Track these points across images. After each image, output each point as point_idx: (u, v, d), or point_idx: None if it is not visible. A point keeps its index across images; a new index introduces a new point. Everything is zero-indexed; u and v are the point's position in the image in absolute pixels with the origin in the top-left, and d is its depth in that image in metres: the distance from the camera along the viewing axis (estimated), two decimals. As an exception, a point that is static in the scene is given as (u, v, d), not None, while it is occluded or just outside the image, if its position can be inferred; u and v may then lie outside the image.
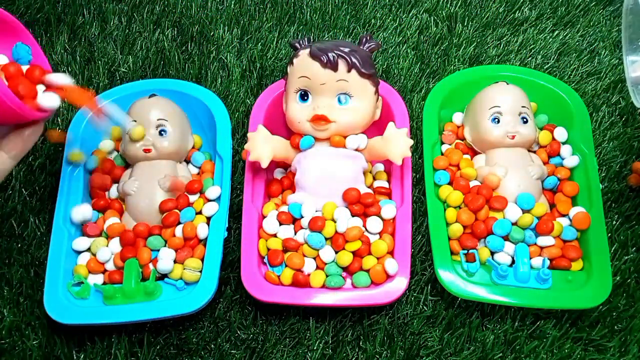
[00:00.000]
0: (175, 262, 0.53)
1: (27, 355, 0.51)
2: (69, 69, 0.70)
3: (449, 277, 0.52)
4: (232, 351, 0.52)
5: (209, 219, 0.55)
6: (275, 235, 0.54)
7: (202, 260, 0.53)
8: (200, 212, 0.56)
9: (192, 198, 0.57)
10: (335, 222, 0.53)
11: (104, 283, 0.54)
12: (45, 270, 0.53)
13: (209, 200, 0.56)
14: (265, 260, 0.54)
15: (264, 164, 0.54)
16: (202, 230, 0.54)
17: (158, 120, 0.57)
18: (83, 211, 0.55)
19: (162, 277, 0.53)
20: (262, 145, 0.54)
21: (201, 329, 0.54)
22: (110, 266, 0.54)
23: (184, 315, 0.50)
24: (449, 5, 0.77)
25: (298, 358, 0.52)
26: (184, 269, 0.52)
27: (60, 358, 0.52)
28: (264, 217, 0.56)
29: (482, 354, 0.52)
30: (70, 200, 0.57)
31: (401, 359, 0.52)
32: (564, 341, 0.53)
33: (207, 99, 0.62)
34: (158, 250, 0.54)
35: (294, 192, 0.57)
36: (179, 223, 0.55)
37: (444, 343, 0.53)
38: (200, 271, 0.52)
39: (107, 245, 0.55)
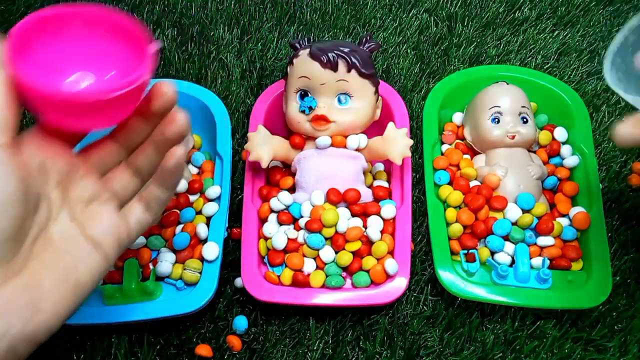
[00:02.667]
0: (175, 262, 0.53)
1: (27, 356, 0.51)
2: (69, 69, 0.70)
3: (449, 277, 0.52)
4: (233, 351, 0.52)
5: (209, 219, 0.55)
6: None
7: (202, 260, 0.53)
8: (200, 212, 0.56)
9: (192, 198, 0.57)
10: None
11: (104, 283, 0.54)
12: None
13: (209, 200, 0.56)
14: (265, 260, 0.54)
15: (264, 164, 0.54)
16: (202, 230, 0.54)
17: None
18: None
19: (162, 277, 0.53)
20: (262, 146, 0.54)
21: (201, 329, 0.54)
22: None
23: (184, 315, 0.50)
24: (449, 5, 0.77)
25: (298, 358, 0.52)
26: (184, 269, 0.52)
27: (60, 358, 0.51)
28: (262, 220, 0.56)
29: (482, 354, 0.52)
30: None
31: (401, 359, 0.52)
32: (564, 341, 0.53)
33: (207, 99, 0.62)
34: (158, 251, 0.54)
35: (294, 192, 0.57)
36: (179, 223, 0.55)
37: (444, 343, 0.53)
38: (200, 272, 0.52)
39: None
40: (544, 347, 0.52)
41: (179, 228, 0.54)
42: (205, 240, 0.54)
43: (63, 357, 0.51)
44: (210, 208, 0.55)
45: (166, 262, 0.52)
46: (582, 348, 0.52)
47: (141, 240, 0.53)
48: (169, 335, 0.53)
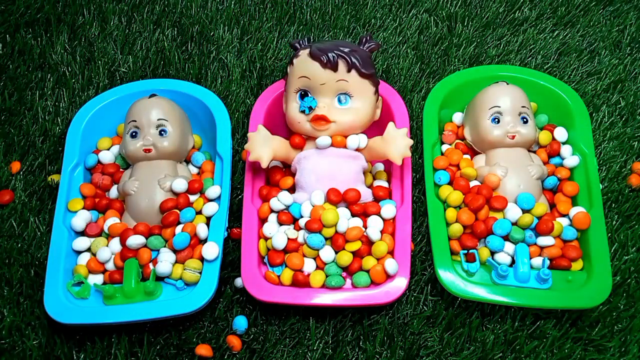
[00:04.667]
0: (175, 262, 0.53)
1: (27, 355, 0.51)
2: (69, 69, 0.70)
3: (449, 277, 0.52)
4: (233, 351, 0.52)
5: (208, 219, 0.55)
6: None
7: (202, 260, 0.53)
8: (200, 212, 0.56)
9: (192, 198, 0.57)
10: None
11: (104, 283, 0.54)
12: (45, 270, 0.53)
13: (209, 200, 0.56)
14: (265, 260, 0.54)
15: (264, 164, 0.54)
16: (202, 230, 0.54)
17: (158, 120, 0.57)
18: (83, 218, 0.56)
19: (162, 277, 0.53)
20: (262, 146, 0.54)
21: (201, 328, 0.54)
22: (110, 266, 0.54)
23: (184, 315, 0.50)
24: (449, 5, 0.77)
25: (298, 358, 0.52)
26: (184, 269, 0.52)
27: (60, 358, 0.51)
28: (262, 220, 0.56)
29: (482, 354, 0.52)
30: (70, 199, 0.57)
31: (401, 359, 0.52)
32: (564, 341, 0.53)
33: (207, 99, 0.62)
34: (158, 251, 0.54)
35: (293, 192, 0.57)
36: (179, 223, 0.55)
37: (444, 343, 0.53)
38: (200, 272, 0.52)
39: (107, 245, 0.55)
40: (544, 347, 0.52)
41: (178, 228, 0.54)
42: (205, 240, 0.54)
43: (63, 357, 0.51)
44: (210, 208, 0.55)
45: (166, 262, 0.52)
46: (582, 348, 0.52)
47: (141, 240, 0.53)
48: (169, 335, 0.53)
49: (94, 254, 0.55)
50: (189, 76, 0.69)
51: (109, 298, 0.51)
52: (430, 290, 0.55)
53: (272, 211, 0.55)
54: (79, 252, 0.55)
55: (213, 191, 0.56)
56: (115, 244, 0.54)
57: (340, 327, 0.53)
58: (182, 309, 0.50)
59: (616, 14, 0.77)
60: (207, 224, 0.55)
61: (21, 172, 0.62)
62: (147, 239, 0.54)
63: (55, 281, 0.52)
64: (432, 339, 0.53)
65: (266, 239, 0.54)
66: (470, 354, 0.52)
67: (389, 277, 0.52)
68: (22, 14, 0.74)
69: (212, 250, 0.52)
